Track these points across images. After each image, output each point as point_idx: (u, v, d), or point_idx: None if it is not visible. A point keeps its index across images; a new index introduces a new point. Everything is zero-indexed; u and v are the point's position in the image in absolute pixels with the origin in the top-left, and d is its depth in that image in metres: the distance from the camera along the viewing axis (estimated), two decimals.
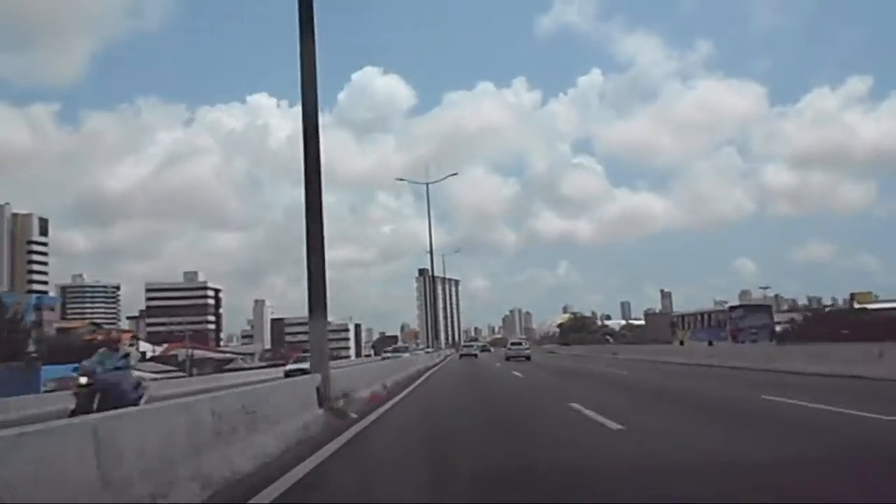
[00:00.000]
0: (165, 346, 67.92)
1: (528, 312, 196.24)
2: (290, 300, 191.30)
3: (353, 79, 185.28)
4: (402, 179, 44.61)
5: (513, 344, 36.80)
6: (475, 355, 43.57)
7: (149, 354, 58.72)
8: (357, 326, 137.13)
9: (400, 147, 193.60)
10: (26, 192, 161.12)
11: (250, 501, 2.99)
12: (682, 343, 30.84)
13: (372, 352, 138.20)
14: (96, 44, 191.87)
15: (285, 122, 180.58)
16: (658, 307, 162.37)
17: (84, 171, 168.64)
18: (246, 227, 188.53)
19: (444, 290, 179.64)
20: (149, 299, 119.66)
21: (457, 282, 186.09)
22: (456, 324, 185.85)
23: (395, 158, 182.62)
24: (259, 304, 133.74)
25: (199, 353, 59.31)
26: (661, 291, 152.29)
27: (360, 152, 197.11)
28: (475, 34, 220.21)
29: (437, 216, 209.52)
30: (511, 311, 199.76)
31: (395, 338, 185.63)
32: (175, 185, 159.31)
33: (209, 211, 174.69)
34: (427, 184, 35.07)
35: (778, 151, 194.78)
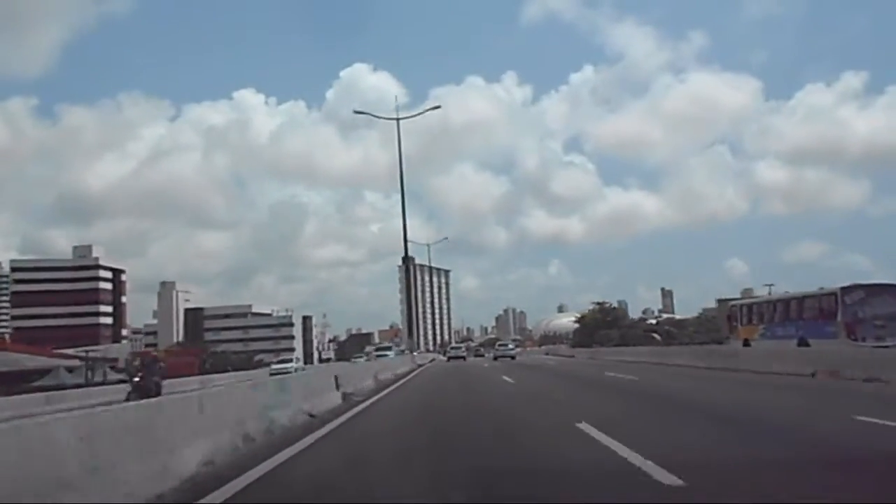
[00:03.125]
0: None
1: (522, 312, 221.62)
2: (277, 299, 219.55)
3: (341, 76, 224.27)
4: (361, 112, 51.61)
5: (500, 345, 56.97)
6: (463, 358, 53.25)
7: None
8: (306, 320, 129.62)
9: (387, 144, 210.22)
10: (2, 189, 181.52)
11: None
12: (746, 343, 26.80)
13: (332, 355, 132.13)
14: (68, 34, 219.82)
15: (273, 120, 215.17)
16: (659, 306, 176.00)
17: (64, 167, 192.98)
18: (232, 225, 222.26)
19: (431, 281, 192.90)
20: (17, 282, 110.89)
21: (447, 272, 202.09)
22: (447, 322, 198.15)
23: (382, 156, 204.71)
24: (167, 289, 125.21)
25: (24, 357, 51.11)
26: (662, 290, 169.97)
27: (348, 150, 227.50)
28: (463, 26, 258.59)
29: (425, 215, 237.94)
30: (505, 311, 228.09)
31: (369, 336, 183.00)
32: (160, 183, 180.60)
33: (194, 209, 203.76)
34: (398, 119, 34.11)
35: (772, 148, 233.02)
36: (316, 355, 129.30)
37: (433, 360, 53.41)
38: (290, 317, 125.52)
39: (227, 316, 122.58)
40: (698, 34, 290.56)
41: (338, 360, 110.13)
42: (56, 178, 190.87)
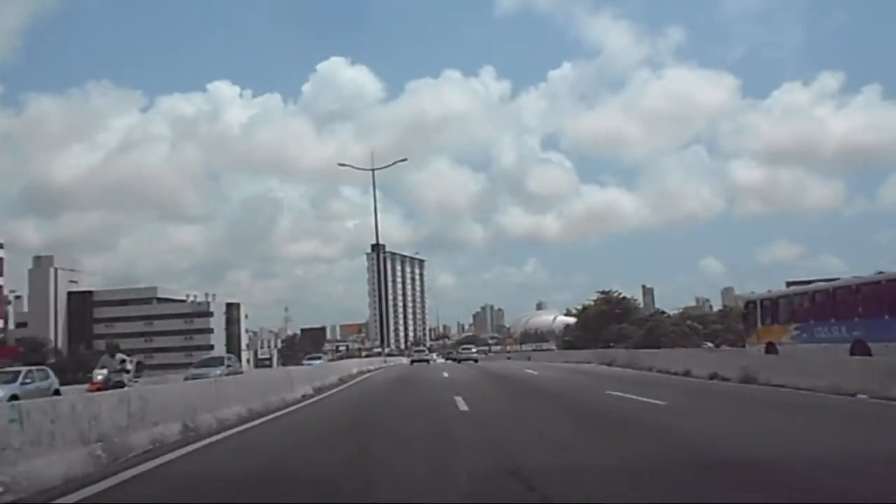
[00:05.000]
0: None
1: (499, 309, 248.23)
2: (254, 295, 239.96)
3: (318, 69, 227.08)
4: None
5: (463, 349, 72.26)
6: (427, 361, 59.35)
7: None
8: (232, 308, 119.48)
9: (366, 138, 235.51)
10: None
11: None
12: (771, 349, 25.77)
13: (275, 356, 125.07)
14: (33, 21, 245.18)
15: (247, 112, 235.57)
16: (639, 304, 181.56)
17: (30, 158, 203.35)
18: (205, 219, 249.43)
19: (402, 272, 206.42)
20: None
21: (421, 261, 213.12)
22: (420, 318, 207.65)
23: (358, 150, 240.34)
24: (42, 266, 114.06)
25: None
26: (643, 287, 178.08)
27: (323, 144, 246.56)
28: (441, 19, 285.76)
29: (401, 212, 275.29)
30: (482, 308, 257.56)
31: (324, 330, 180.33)
32: (130, 175, 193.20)
33: (166, 203, 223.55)
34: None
35: (748, 147, 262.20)
36: (248, 355, 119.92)
37: (353, 375, 29.73)
38: (208, 304, 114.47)
39: (123, 302, 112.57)
40: (676, 29, 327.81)
41: (282, 363, 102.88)
42: (21, 168, 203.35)
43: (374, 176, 57.87)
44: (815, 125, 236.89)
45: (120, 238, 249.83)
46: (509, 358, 67.62)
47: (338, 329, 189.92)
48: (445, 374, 27.62)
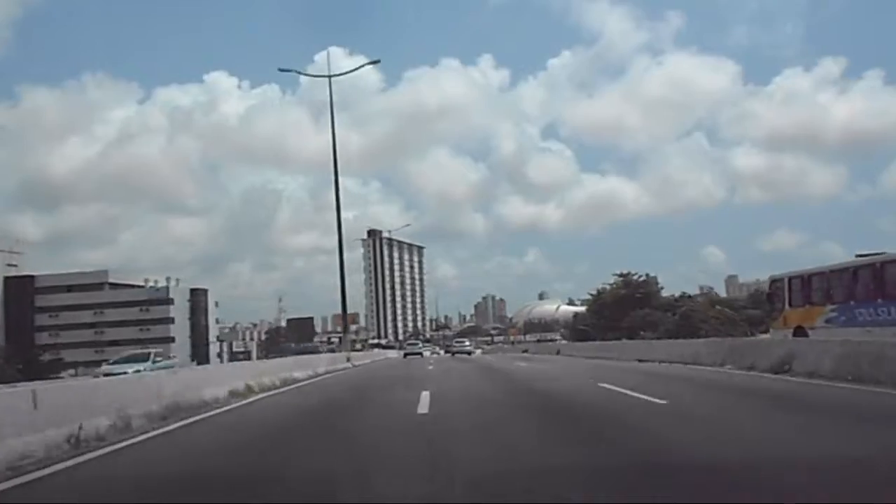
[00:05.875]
0: None
1: (501, 300, 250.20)
2: (253, 287, 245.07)
3: (316, 59, 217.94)
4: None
5: (457, 342, 78.67)
6: (420, 354, 59.86)
7: None
8: (197, 295, 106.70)
9: (365, 128, 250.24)
10: None
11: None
12: (800, 332, 23.53)
13: (254, 349, 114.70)
14: (25, 11, 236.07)
15: (245, 103, 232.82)
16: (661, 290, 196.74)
17: (27, 150, 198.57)
18: (204, 211, 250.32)
19: (400, 259, 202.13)
20: None
21: (420, 248, 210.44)
22: (420, 308, 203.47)
23: (357, 139, 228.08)
24: None
25: None
26: (647, 276, 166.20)
27: (321, 135, 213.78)
28: (438, 7, 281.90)
29: (402, 203, 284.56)
30: (483, 299, 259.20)
31: (310, 320, 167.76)
32: (128, 168, 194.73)
33: (164, 195, 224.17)
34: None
35: (749, 134, 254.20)
36: (217, 348, 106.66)
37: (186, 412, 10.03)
38: (167, 290, 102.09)
39: (70, 288, 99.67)
40: (676, 14, 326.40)
41: (265, 356, 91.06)
42: (18, 162, 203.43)
43: (330, 84, 44.49)
44: (817, 111, 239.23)
45: (118, 231, 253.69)
46: (525, 352, 52.89)
47: (330, 319, 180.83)
48: (424, 407, 11.57)
